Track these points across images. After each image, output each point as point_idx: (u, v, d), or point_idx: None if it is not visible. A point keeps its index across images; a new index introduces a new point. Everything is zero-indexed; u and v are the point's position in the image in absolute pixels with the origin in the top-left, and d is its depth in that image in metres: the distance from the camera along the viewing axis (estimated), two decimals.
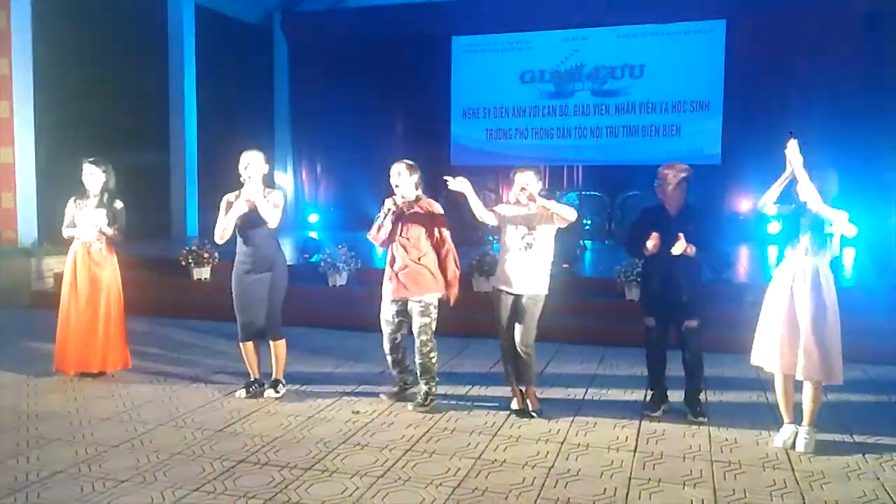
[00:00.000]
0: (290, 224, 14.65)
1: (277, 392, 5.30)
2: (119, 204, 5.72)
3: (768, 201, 4.45)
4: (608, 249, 11.27)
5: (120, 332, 5.82)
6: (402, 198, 5.06)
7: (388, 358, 5.20)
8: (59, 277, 8.45)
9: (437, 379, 5.12)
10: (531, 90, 13.94)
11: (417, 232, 5.00)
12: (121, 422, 4.75)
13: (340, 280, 8.40)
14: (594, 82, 13.59)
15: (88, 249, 5.71)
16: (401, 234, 5.01)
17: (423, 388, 5.06)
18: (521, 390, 5.02)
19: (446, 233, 5.07)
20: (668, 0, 12.84)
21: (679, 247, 4.63)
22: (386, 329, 5.14)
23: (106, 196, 5.68)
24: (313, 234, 12.64)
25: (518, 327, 4.89)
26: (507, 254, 4.92)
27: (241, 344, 5.30)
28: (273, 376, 5.35)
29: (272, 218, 5.08)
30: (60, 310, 5.76)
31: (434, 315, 5.03)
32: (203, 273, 8.79)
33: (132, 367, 5.93)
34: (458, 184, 4.82)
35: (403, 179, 5.03)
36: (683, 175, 4.81)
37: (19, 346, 6.92)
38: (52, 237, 6.24)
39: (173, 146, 12.95)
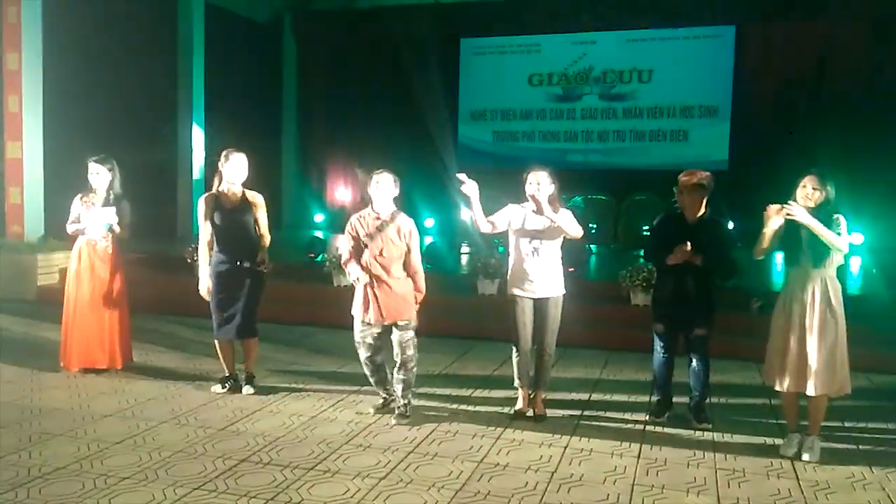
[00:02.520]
0: (295, 223, 14.67)
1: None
2: (126, 203, 5.74)
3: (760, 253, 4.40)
4: (613, 253, 11.24)
5: (125, 329, 5.85)
6: (376, 214, 4.75)
7: (372, 379, 4.96)
8: (64, 273, 8.45)
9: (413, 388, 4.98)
10: (539, 93, 13.92)
11: (396, 251, 4.72)
12: (123, 419, 4.75)
13: (345, 280, 8.38)
14: (602, 86, 13.56)
15: (94, 247, 5.71)
16: (380, 254, 4.70)
17: (408, 400, 4.88)
18: (529, 394, 5.00)
19: (418, 256, 4.83)
20: (678, 5, 12.82)
21: (680, 256, 4.61)
22: (364, 352, 4.84)
23: (112, 195, 5.70)
24: (319, 234, 12.65)
25: (542, 330, 4.87)
26: (518, 258, 4.88)
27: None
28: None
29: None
30: (65, 306, 5.77)
31: (415, 327, 4.84)
32: None
33: (135, 362, 5.97)
34: (469, 187, 4.72)
35: (387, 192, 4.73)
36: (702, 183, 4.70)
37: (24, 340, 6.93)
38: (57, 233, 6.24)
39: (181, 144, 12.93)
